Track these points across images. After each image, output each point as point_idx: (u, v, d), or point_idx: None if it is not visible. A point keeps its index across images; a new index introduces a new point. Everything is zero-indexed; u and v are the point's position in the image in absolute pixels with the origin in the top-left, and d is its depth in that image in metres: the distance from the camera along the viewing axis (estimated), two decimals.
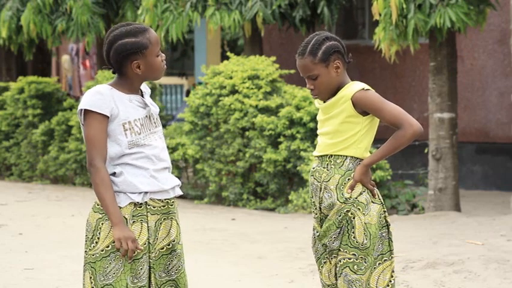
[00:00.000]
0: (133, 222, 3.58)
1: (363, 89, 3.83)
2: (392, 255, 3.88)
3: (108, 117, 3.56)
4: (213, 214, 10.32)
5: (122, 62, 3.60)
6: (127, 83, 3.64)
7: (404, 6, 9.40)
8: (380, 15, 9.62)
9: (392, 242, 3.88)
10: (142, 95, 3.70)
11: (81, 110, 3.57)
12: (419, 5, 9.49)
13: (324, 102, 3.90)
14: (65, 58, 19.08)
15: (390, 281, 3.86)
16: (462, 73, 12.48)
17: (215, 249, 7.90)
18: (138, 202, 3.58)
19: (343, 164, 3.86)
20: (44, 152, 13.72)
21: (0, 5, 13.86)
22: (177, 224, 3.70)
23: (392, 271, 3.88)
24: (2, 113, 14.22)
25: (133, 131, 3.60)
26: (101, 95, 3.56)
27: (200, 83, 12.67)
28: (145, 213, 3.61)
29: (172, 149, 11.29)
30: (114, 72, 3.65)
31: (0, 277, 6.65)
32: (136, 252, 3.55)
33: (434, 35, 9.86)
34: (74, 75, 19.18)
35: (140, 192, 3.58)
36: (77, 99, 15.64)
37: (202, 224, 9.33)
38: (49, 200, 11.54)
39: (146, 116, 3.66)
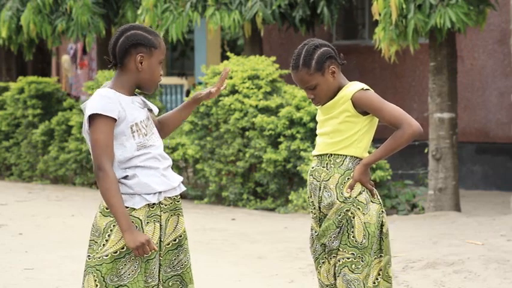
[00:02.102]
0: (147, 223, 3.58)
1: (362, 89, 3.84)
2: (381, 254, 3.88)
3: (115, 120, 3.53)
4: (213, 214, 10.32)
5: (128, 51, 3.58)
6: (124, 82, 3.61)
7: (404, 6, 9.40)
8: (380, 15, 9.62)
9: (383, 241, 3.87)
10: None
11: (91, 114, 3.52)
12: (419, 5, 9.49)
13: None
14: (65, 58, 19.06)
15: (377, 278, 3.87)
16: (462, 73, 12.48)
17: (215, 249, 7.90)
18: (152, 203, 3.58)
19: (342, 163, 3.86)
20: (44, 152, 13.72)
21: (0, 5, 13.86)
22: (183, 219, 3.72)
23: (380, 269, 3.87)
24: (2, 113, 14.22)
25: (141, 133, 3.60)
26: (109, 99, 3.53)
27: (200, 83, 12.67)
28: (158, 213, 3.61)
29: (172, 149, 11.26)
30: (115, 65, 3.62)
31: (0, 277, 6.64)
32: (151, 251, 3.55)
33: (434, 35, 9.86)
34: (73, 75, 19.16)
35: (155, 193, 3.58)
36: (77, 99, 15.64)
37: (202, 224, 9.33)
38: (49, 200, 11.53)
39: (147, 117, 3.66)
